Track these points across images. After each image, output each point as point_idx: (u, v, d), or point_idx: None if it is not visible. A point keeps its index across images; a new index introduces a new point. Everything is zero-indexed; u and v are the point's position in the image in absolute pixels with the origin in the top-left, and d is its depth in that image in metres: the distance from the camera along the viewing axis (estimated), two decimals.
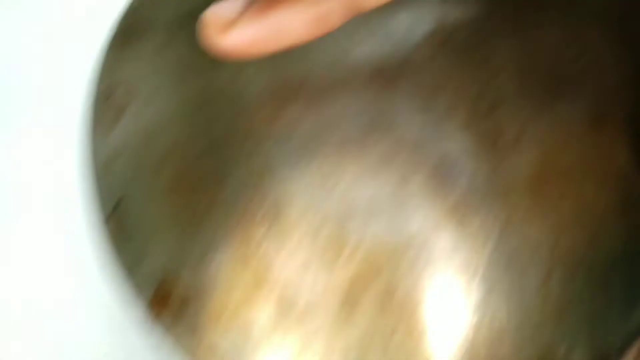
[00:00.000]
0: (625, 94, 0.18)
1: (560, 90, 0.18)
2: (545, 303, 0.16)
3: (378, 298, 0.17)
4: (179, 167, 0.18)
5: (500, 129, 0.18)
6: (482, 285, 0.17)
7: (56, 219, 0.22)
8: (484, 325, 0.16)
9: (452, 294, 0.17)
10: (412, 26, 0.18)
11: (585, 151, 0.18)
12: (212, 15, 0.13)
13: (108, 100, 0.19)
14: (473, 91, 0.18)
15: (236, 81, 0.19)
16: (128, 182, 0.18)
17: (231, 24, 0.13)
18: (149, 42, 0.20)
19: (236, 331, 0.17)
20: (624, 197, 0.17)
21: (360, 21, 0.18)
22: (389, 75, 0.18)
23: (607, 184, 0.17)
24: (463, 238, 0.17)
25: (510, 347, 0.16)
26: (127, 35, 0.20)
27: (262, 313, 0.17)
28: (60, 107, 0.23)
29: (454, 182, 0.17)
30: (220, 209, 0.18)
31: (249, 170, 0.18)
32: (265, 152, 0.18)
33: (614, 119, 0.18)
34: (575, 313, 0.16)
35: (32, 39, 0.26)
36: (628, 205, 0.17)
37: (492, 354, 0.16)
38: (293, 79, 0.18)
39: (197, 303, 0.17)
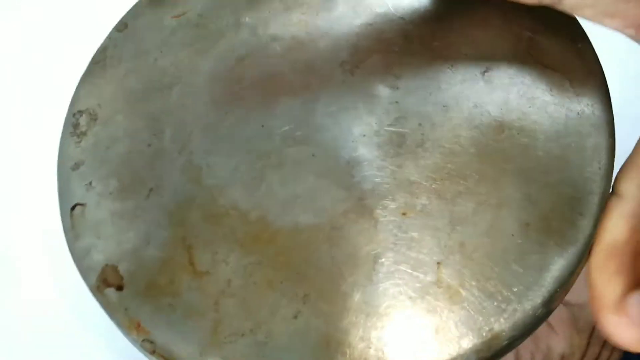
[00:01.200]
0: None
1: None
2: (439, 287, 0.18)
3: (295, 269, 0.19)
4: (124, 177, 0.21)
5: (404, 137, 0.20)
6: (383, 266, 0.18)
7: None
8: (381, 304, 0.18)
9: (357, 268, 0.18)
10: (330, 56, 0.21)
11: (481, 155, 0.20)
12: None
13: (74, 127, 0.22)
14: (380, 107, 0.20)
15: (184, 99, 0.22)
16: (84, 190, 0.21)
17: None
18: (113, 73, 0.23)
19: (163, 309, 0.19)
20: (516, 195, 0.19)
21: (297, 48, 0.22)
22: (308, 96, 0.21)
23: (501, 183, 0.19)
24: (368, 221, 0.19)
25: (402, 327, 0.18)
26: (95, 70, 0.23)
27: (189, 293, 0.19)
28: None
29: (362, 177, 0.19)
30: (157, 206, 0.20)
31: (186, 176, 0.20)
32: (199, 161, 0.21)
33: (510, 133, 0.20)
34: (467, 299, 0.18)
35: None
36: (521, 202, 0.19)
37: (385, 334, 0.18)
38: (228, 96, 0.21)
39: (131, 287, 0.19)
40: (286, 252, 0.19)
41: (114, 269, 0.20)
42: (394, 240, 0.19)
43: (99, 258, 0.20)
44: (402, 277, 0.18)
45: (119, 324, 0.19)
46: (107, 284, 0.19)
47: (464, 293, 0.18)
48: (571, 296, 0.34)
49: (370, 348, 0.18)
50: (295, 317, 0.18)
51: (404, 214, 0.19)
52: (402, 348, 0.18)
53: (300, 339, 0.18)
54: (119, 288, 0.19)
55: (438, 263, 0.18)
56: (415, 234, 0.19)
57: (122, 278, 0.19)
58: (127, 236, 0.20)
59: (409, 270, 0.18)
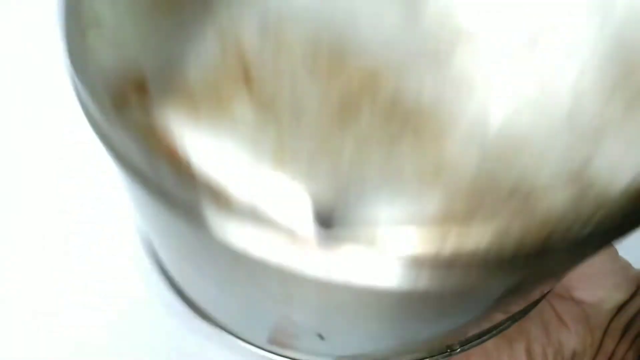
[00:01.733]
0: None
1: None
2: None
3: (383, 104, 0.14)
4: None
5: None
6: (505, 91, 0.14)
7: None
8: (504, 132, 0.14)
9: (468, 104, 0.14)
10: None
11: None
12: None
13: None
14: None
15: None
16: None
17: None
18: None
19: (209, 123, 0.13)
20: None
21: None
22: None
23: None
24: (479, 49, 0.15)
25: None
26: None
27: (241, 108, 0.14)
28: None
29: None
30: (201, 15, 0.15)
31: None
32: None
33: None
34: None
35: None
36: None
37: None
38: None
39: (158, 87, 0.14)
40: (371, 82, 0.14)
41: (137, 73, 0.14)
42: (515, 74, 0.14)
43: (108, 62, 0.14)
44: None
45: (150, 149, 0.13)
46: (129, 95, 0.14)
47: None
48: (584, 294, 0.31)
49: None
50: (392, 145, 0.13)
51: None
52: None
53: (395, 172, 0.13)
54: (141, 93, 0.14)
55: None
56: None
57: (148, 90, 0.14)
58: (151, 41, 0.15)
59: None
